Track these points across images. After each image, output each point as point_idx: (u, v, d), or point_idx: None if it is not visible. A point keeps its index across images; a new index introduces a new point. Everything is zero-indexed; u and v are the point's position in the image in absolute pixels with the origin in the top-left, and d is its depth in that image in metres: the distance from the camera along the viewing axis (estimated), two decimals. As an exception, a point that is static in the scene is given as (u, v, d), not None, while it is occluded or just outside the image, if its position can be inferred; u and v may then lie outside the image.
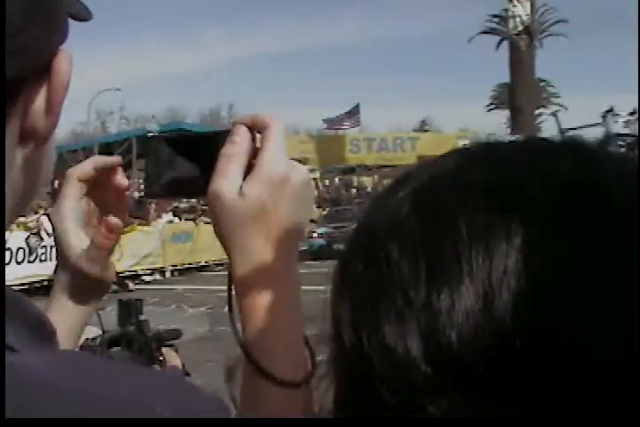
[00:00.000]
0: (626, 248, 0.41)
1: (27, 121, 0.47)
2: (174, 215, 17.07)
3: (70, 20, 0.50)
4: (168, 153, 0.76)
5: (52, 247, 11.00)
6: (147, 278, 15.07)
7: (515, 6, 20.94)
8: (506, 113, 21.59)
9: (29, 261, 12.60)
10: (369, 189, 25.26)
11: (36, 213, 12.53)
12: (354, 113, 32.72)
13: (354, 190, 26.53)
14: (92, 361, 0.50)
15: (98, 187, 0.83)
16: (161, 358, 1.49)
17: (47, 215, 12.08)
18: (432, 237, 0.44)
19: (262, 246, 0.68)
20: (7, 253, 11.68)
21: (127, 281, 13.66)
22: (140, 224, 14.82)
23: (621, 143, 0.48)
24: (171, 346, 1.55)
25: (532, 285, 0.40)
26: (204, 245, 15.43)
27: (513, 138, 0.52)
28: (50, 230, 0.88)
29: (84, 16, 0.52)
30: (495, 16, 21.62)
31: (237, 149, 0.70)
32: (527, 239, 0.41)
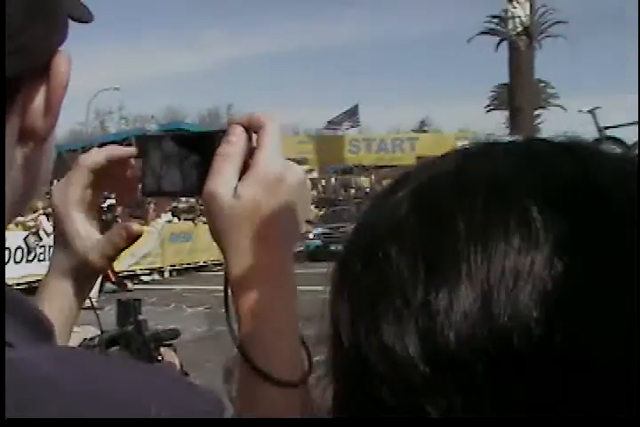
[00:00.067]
0: (625, 248, 0.41)
1: (26, 120, 0.48)
2: (173, 215, 17.07)
3: (71, 21, 0.51)
4: (164, 152, 0.76)
5: (50, 247, 10.98)
6: (145, 278, 15.07)
7: (514, 7, 20.94)
8: (505, 113, 21.59)
9: (28, 261, 12.60)
10: (368, 190, 25.28)
11: (35, 212, 12.52)
12: (353, 113, 32.74)
13: (352, 191, 26.55)
14: (91, 358, 0.50)
15: (106, 177, 0.82)
16: (159, 358, 1.49)
17: (46, 215, 12.09)
18: (431, 237, 0.44)
19: (257, 247, 0.68)
20: (6, 253, 11.68)
21: (126, 281, 13.67)
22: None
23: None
24: (169, 346, 1.55)
25: (530, 285, 0.41)
26: (202, 245, 15.44)
27: (512, 138, 0.52)
28: (49, 230, 0.87)
29: (85, 18, 0.53)
30: (495, 17, 21.62)
31: (233, 149, 0.71)
32: (526, 239, 0.41)
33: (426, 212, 0.45)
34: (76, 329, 0.89)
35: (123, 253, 0.86)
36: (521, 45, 20.91)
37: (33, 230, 12.66)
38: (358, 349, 0.44)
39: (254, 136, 0.72)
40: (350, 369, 0.45)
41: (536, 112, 21.54)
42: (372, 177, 27.07)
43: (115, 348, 1.46)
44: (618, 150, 0.48)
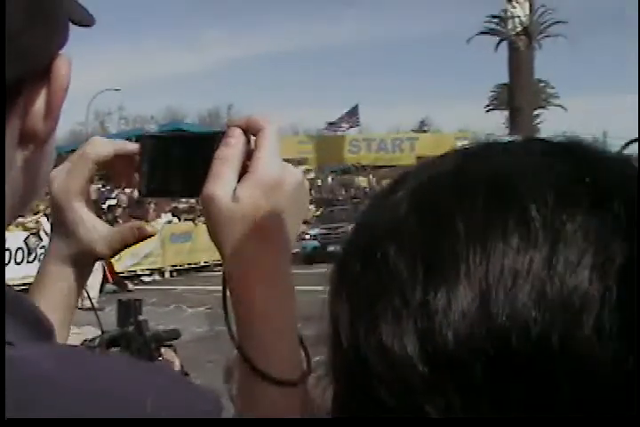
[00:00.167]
0: (625, 248, 0.41)
1: (26, 123, 0.48)
2: (173, 215, 17.07)
3: (72, 24, 0.51)
4: (164, 152, 0.76)
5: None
6: (146, 279, 15.07)
7: (514, 7, 20.94)
8: (505, 113, 21.58)
9: (28, 262, 12.60)
10: (367, 190, 25.26)
11: (36, 213, 12.53)
12: (353, 114, 32.75)
13: (352, 190, 26.53)
14: (92, 357, 0.50)
15: (109, 170, 0.81)
16: (160, 359, 1.49)
17: (46, 216, 12.08)
18: (430, 237, 0.44)
19: (255, 249, 0.69)
20: (6, 254, 11.68)
21: (126, 281, 13.68)
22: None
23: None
24: (170, 346, 1.55)
25: (529, 284, 0.41)
26: (203, 245, 15.43)
27: (512, 138, 0.52)
28: (50, 231, 0.86)
29: (86, 21, 0.53)
30: (494, 17, 21.62)
31: (231, 152, 0.71)
32: (524, 239, 0.42)
33: (425, 212, 0.46)
34: (76, 330, 0.89)
35: (123, 254, 0.87)
36: (520, 45, 20.90)
37: (33, 231, 12.67)
38: (357, 349, 0.44)
39: (252, 138, 0.73)
40: (350, 369, 0.46)
41: (536, 112, 21.53)
42: (370, 177, 27.04)
43: (115, 348, 1.47)
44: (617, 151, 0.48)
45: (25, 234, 12.59)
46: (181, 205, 17.34)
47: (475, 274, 0.41)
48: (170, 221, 16.70)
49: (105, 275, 12.24)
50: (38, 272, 0.82)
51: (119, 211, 14.27)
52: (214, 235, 0.70)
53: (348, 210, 17.75)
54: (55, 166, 0.67)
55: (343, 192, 26.33)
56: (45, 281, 0.81)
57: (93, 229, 0.80)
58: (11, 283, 0.48)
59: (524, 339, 0.40)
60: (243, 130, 0.72)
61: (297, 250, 15.34)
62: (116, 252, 0.82)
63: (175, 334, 1.58)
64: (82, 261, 0.81)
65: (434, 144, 24.58)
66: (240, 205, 0.68)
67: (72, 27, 0.51)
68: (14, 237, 12.22)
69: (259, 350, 0.68)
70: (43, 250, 12.72)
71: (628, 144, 0.48)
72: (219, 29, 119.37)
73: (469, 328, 0.41)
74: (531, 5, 21.30)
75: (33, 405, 0.39)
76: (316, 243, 16.65)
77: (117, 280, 13.25)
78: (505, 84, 21.54)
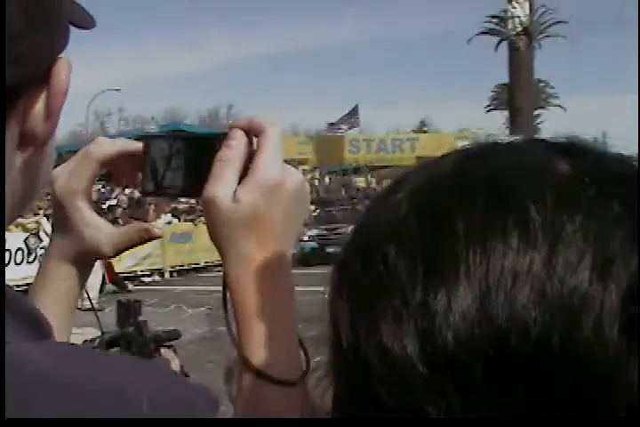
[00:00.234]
0: (625, 248, 0.41)
1: (26, 125, 0.48)
2: (173, 216, 17.06)
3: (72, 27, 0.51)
4: (165, 152, 0.76)
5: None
6: (146, 279, 15.06)
7: (514, 7, 20.94)
8: (505, 113, 21.56)
9: (28, 262, 12.59)
10: (367, 190, 25.26)
11: (36, 214, 12.53)
12: (353, 114, 32.75)
13: (352, 191, 26.53)
14: (92, 356, 0.50)
15: (112, 169, 0.82)
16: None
17: (46, 216, 12.09)
18: (430, 238, 0.44)
19: (255, 251, 0.69)
20: (6, 254, 11.69)
21: (126, 282, 13.67)
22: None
23: None
24: (169, 347, 1.55)
25: (529, 285, 0.41)
26: (203, 245, 15.42)
27: (512, 139, 0.52)
28: (49, 232, 0.86)
29: (87, 24, 0.53)
30: (494, 17, 21.62)
31: (233, 154, 0.71)
32: (524, 239, 0.42)
33: (425, 212, 0.46)
34: (76, 331, 0.89)
35: (123, 255, 0.87)
36: (521, 45, 20.90)
37: (33, 232, 12.67)
38: (357, 349, 0.44)
39: (255, 140, 0.73)
40: (350, 370, 0.46)
41: (536, 112, 21.52)
42: (369, 177, 27.03)
43: (115, 349, 1.47)
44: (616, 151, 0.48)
45: (25, 234, 12.59)
46: (181, 206, 17.33)
47: (474, 274, 0.41)
48: (170, 222, 16.69)
49: (104, 276, 12.23)
50: (38, 272, 0.82)
51: (119, 211, 14.25)
52: (214, 235, 0.71)
53: (346, 211, 17.58)
54: (55, 167, 0.67)
55: (343, 193, 26.33)
56: (45, 281, 0.81)
57: (98, 228, 0.80)
58: (11, 283, 0.48)
59: (524, 339, 0.40)
60: (245, 131, 0.73)
61: (294, 251, 15.13)
62: (119, 252, 0.82)
63: (175, 335, 1.58)
64: (83, 261, 0.82)
65: (434, 144, 24.54)
66: (240, 206, 0.68)
67: (72, 28, 0.51)
68: (14, 238, 12.21)
69: (259, 351, 0.68)
70: (42, 251, 12.72)
71: None
72: (219, 29, 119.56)
73: (469, 329, 0.41)
74: (531, 5, 21.29)
75: (33, 404, 0.39)
76: (314, 244, 16.32)
77: (117, 281, 13.24)
78: (505, 84, 21.53)
